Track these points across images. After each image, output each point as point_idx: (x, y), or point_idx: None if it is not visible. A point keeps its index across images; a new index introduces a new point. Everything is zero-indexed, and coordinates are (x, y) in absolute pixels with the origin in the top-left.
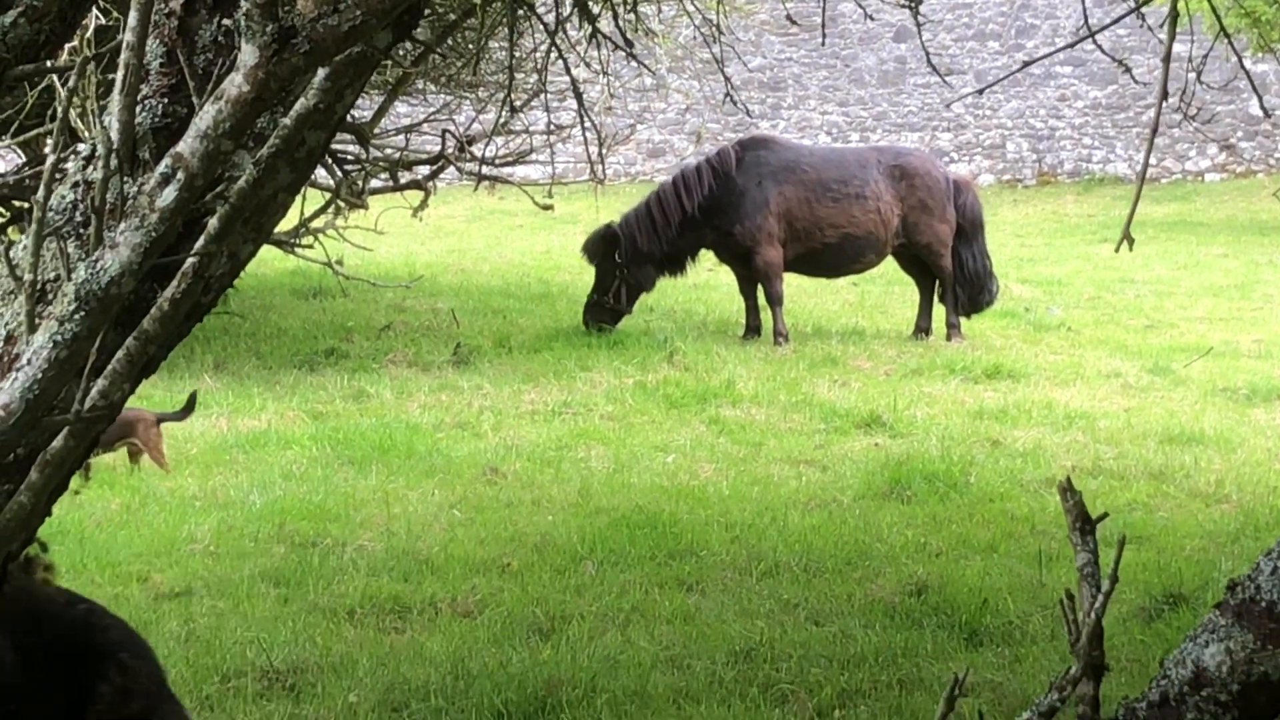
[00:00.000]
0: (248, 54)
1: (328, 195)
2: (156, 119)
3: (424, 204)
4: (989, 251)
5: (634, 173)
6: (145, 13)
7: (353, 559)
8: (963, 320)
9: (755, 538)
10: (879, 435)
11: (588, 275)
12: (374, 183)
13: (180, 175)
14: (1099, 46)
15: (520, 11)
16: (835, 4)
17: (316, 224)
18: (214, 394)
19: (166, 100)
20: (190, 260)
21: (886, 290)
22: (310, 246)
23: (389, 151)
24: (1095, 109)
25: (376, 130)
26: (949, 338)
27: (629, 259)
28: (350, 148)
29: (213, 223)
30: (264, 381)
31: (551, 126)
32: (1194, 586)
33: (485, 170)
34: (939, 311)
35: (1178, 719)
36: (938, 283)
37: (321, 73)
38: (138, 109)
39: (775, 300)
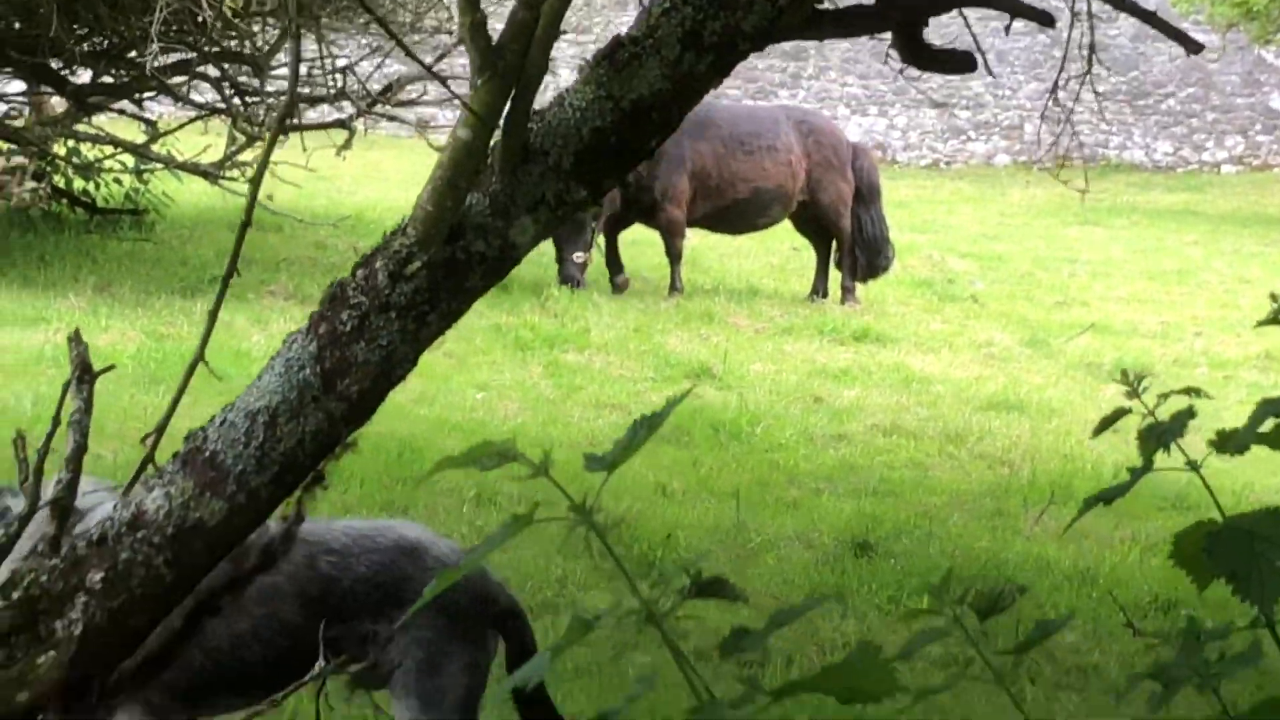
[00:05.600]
0: None
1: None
2: None
3: (348, 144)
4: (886, 218)
5: None
6: None
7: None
8: (873, 287)
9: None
10: (704, 386)
11: None
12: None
13: None
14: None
15: None
16: None
17: (244, 158)
18: (64, 312)
19: None
20: None
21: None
22: (235, 180)
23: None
24: (1115, 94)
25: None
26: (843, 301)
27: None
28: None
29: None
30: (133, 304)
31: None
32: (883, 534)
33: (376, 109)
34: (835, 276)
35: (113, 557)
36: (834, 246)
37: None
38: None
39: (676, 257)
